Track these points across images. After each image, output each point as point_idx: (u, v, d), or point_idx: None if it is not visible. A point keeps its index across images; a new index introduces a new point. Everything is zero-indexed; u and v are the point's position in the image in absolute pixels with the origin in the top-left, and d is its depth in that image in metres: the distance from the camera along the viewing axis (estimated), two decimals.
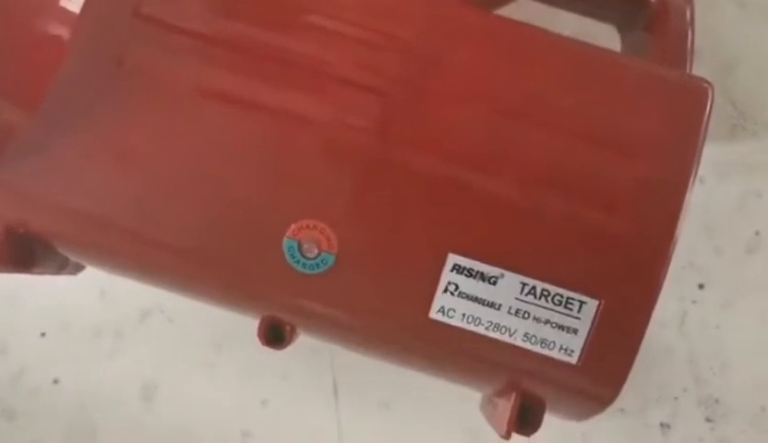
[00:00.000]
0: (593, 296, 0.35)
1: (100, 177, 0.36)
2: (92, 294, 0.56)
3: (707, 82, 0.37)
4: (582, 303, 0.35)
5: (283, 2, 0.37)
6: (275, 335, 0.38)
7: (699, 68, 0.40)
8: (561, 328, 0.35)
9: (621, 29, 0.45)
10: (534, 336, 0.36)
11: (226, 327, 0.55)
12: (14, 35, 0.36)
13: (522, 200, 0.36)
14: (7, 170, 0.36)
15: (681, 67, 0.40)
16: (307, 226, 0.36)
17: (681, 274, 0.55)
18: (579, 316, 0.35)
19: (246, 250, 0.36)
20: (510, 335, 0.36)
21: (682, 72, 0.40)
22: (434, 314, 0.36)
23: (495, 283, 0.35)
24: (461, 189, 0.36)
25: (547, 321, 0.35)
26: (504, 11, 0.41)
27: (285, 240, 0.36)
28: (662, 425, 0.55)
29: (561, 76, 0.37)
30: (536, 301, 0.35)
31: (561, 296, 0.35)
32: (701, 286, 0.55)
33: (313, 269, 0.36)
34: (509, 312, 0.36)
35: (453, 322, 0.36)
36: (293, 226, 0.36)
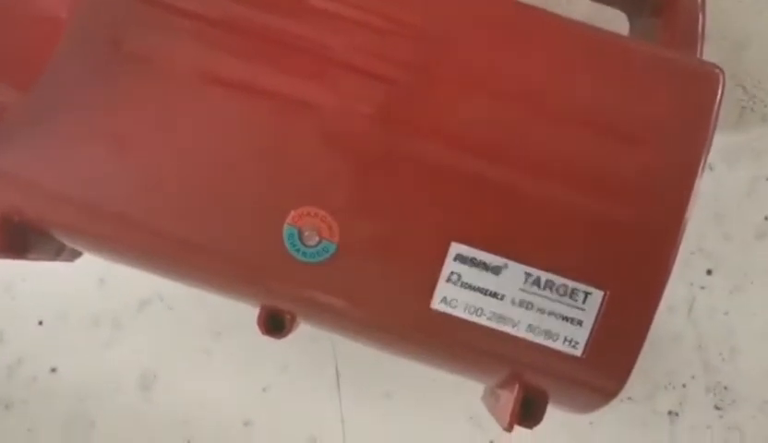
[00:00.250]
0: (598, 287, 0.35)
1: (95, 162, 0.36)
2: (91, 283, 0.56)
3: (718, 68, 0.36)
4: (587, 293, 0.35)
5: None
6: (275, 324, 0.38)
7: (707, 51, 0.40)
8: (566, 319, 0.35)
9: (630, 15, 0.45)
10: (538, 327, 0.35)
11: (226, 315, 0.55)
12: (9, 14, 0.36)
13: (527, 188, 0.35)
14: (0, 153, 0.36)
15: (692, 53, 0.39)
16: (308, 213, 0.35)
17: (690, 260, 0.55)
18: (584, 307, 0.35)
19: (245, 237, 0.36)
20: (514, 326, 0.35)
21: (693, 57, 0.39)
22: (436, 304, 0.35)
23: (498, 273, 0.35)
24: (465, 177, 0.35)
25: (552, 312, 0.35)
26: None
27: (285, 227, 0.35)
28: (670, 412, 0.55)
29: (570, 61, 0.36)
30: (540, 291, 0.35)
31: (566, 287, 0.35)
32: (709, 272, 0.55)
33: (314, 257, 0.35)
34: (512, 303, 0.35)
35: (456, 313, 0.35)
36: (292, 213, 0.35)
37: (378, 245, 0.36)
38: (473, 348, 0.36)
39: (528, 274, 0.35)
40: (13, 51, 0.36)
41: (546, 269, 0.35)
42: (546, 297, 0.35)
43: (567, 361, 0.35)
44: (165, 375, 0.56)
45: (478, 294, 0.35)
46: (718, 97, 0.35)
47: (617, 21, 0.43)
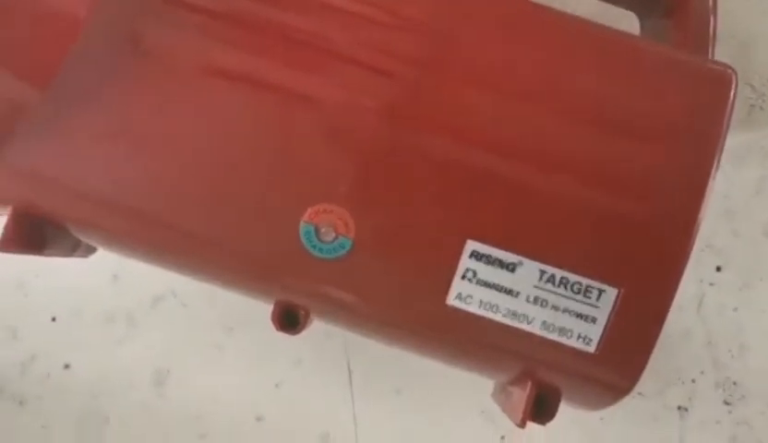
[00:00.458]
0: (612, 284, 0.35)
1: (112, 159, 0.36)
2: (104, 279, 0.56)
3: (731, 68, 0.36)
4: (601, 291, 0.35)
5: None
6: (289, 320, 0.38)
7: (716, 49, 0.40)
8: (580, 316, 0.35)
9: (641, 16, 0.45)
10: (552, 324, 0.35)
11: (239, 310, 0.55)
12: (27, 12, 0.35)
13: (542, 186, 0.35)
14: (18, 150, 0.36)
15: (703, 53, 0.39)
16: (324, 210, 0.35)
17: (700, 257, 0.55)
18: (598, 304, 0.35)
19: (261, 234, 0.36)
20: (528, 323, 0.35)
21: (705, 58, 0.39)
22: (451, 300, 0.35)
23: (513, 271, 0.35)
24: (479, 174, 0.35)
25: (566, 309, 0.35)
26: None
27: (302, 224, 0.35)
28: (680, 407, 0.55)
29: (581, 59, 0.36)
30: (555, 289, 0.35)
31: (580, 284, 0.35)
32: (719, 269, 0.55)
33: (330, 253, 0.35)
34: (527, 300, 0.35)
35: (471, 309, 0.35)
36: (309, 210, 0.35)
37: (394, 241, 0.36)
38: (487, 344, 0.36)
39: (543, 271, 0.35)
40: (31, 49, 0.36)
41: (561, 267, 0.35)
42: (560, 294, 0.35)
43: (580, 358, 0.35)
44: (179, 370, 0.56)
45: (493, 291, 0.35)
46: (731, 97, 0.35)
47: (624, 22, 0.43)
